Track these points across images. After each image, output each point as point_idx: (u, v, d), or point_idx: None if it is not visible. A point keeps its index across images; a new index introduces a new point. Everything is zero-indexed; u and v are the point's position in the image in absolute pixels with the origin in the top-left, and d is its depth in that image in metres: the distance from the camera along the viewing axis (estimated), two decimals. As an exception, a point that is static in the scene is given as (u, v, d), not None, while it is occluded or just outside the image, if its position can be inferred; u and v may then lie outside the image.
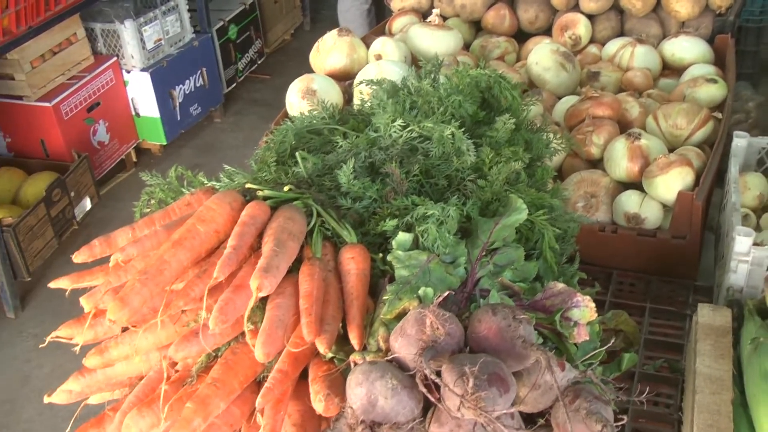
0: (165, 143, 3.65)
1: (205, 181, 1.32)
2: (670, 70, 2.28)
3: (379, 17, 4.23)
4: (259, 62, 4.62)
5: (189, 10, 3.69)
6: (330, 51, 2.18)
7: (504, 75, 1.63)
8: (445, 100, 1.57)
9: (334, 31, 2.21)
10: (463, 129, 1.42)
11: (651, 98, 2.12)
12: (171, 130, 3.63)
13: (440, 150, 1.30)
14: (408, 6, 2.57)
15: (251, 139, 4.25)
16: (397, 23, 2.51)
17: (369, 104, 1.62)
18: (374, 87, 1.65)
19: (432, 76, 1.74)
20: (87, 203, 3.07)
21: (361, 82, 1.83)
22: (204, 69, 3.79)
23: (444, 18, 2.56)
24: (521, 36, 2.48)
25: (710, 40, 2.31)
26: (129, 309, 0.99)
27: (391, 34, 2.51)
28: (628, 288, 1.71)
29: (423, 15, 2.55)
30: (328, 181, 1.27)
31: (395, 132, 1.35)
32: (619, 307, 1.54)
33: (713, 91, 2.01)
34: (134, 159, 3.60)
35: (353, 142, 1.36)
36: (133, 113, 3.50)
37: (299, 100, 2.02)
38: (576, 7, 2.41)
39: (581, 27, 2.33)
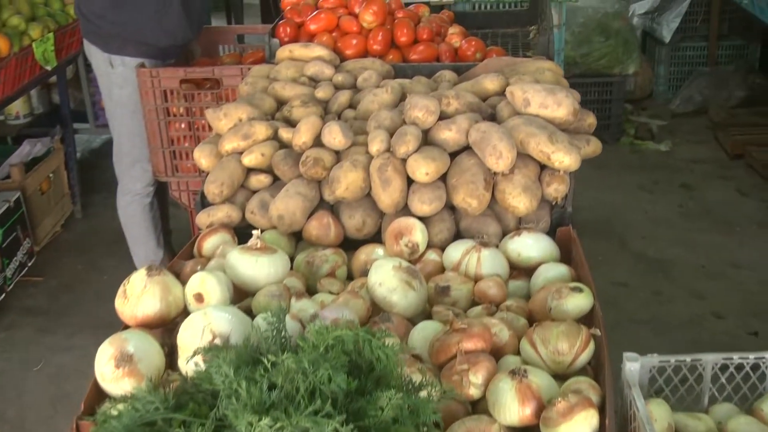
0: None
1: None
2: (518, 270, 2.10)
3: (163, 209, 3.84)
4: (29, 264, 4.06)
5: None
6: (140, 296, 1.77)
7: (372, 331, 1.34)
8: (311, 375, 1.25)
9: (142, 271, 1.81)
10: (343, 416, 1.11)
11: (511, 311, 1.91)
12: None
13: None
14: (217, 221, 2.22)
15: (28, 362, 3.66)
16: (208, 245, 2.15)
17: (212, 382, 1.27)
18: (215, 359, 1.30)
19: (280, 333, 1.42)
20: None
21: (194, 353, 1.44)
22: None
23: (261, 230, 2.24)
24: (348, 244, 2.21)
25: (550, 233, 2.18)
26: None
27: (201, 257, 2.15)
28: None
29: (235, 230, 2.22)
30: None
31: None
32: None
33: (580, 302, 1.82)
34: None
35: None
36: None
37: (113, 370, 1.58)
38: (405, 209, 2.19)
39: (418, 233, 2.10)
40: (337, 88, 2.73)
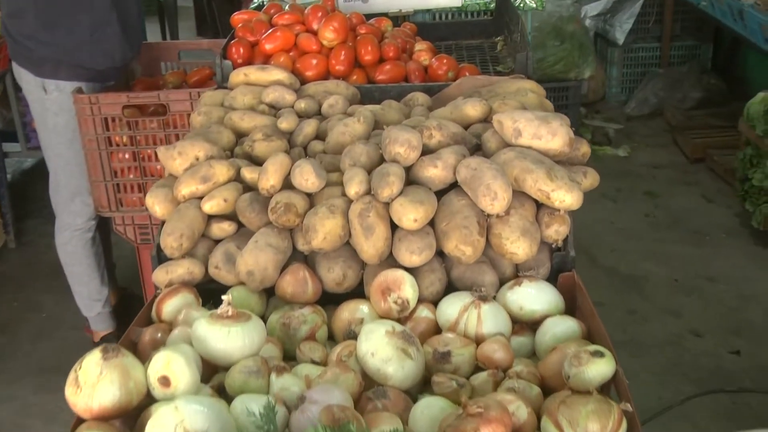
0: None
1: None
2: (519, 324, 1.89)
3: (106, 242, 3.53)
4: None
5: None
6: (96, 384, 1.49)
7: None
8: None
9: (96, 354, 1.52)
10: None
11: (522, 378, 1.69)
12: None
13: None
14: (177, 278, 1.95)
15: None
16: (168, 308, 1.87)
17: None
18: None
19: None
20: None
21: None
22: None
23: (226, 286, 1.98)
24: (325, 297, 1.96)
25: (550, 279, 1.97)
26: None
27: (161, 322, 1.87)
28: None
29: (198, 286, 1.95)
30: None
31: None
32: None
33: (603, 369, 1.60)
34: None
35: None
36: None
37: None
38: (390, 259, 1.95)
39: (408, 288, 1.86)
40: (300, 116, 2.48)
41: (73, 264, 3.35)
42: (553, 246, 2.02)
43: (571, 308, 1.94)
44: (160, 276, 1.97)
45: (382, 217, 1.93)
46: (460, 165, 1.98)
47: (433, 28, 3.36)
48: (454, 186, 2.04)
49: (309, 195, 2.03)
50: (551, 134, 2.05)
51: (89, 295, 3.39)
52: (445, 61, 2.72)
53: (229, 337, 1.66)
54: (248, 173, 2.10)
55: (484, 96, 2.53)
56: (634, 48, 6.13)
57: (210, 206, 2.01)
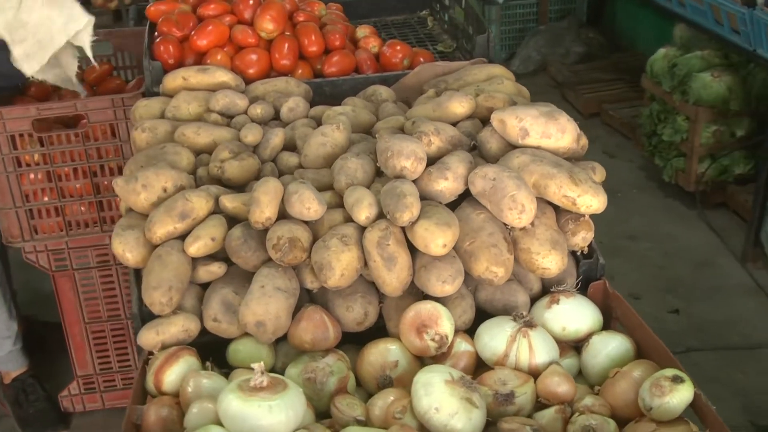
0: None
1: None
2: (561, 345, 1.74)
3: (6, 270, 3.09)
4: None
5: None
6: None
7: None
8: None
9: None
10: None
11: (594, 412, 1.54)
12: None
13: None
14: (170, 338, 1.65)
15: None
16: (170, 377, 1.59)
17: None
18: None
19: None
20: None
21: None
22: None
23: (227, 341, 1.71)
24: (348, 339, 1.73)
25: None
26: None
27: (162, 395, 1.58)
28: None
29: (201, 360, 1.66)
30: None
31: None
32: None
33: (685, 395, 1.48)
34: None
35: None
36: None
37: None
38: (413, 291, 1.73)
39: (445, 322, 1.66)
40: (254, 122, 2.19)
41: (-25, 303, 2.89)
42: (579, 254, 1.88)
43: (605, 319, 1.81)
44: (150, 338, 1.67)
45: (402, 244, 1.71)
46: (474, 176, 1.79)
47: (354, 5, 3.10)
48: (463, 198, 1.85)
49: (306, 223, 1.78)
50: (560, 132, 1.90)
51: (-4, 333, 2.96)
52: (398, 47, 2.49)
53: (272, 413, 1.41)
54: (229, 202, 1.81)
55: (451, 85, 2.34)
56: (512, 5, 6.08)
57: (196, 248, 1.72)
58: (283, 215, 1.78)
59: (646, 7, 5.68)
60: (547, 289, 1.84)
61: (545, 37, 5.92)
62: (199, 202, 1.77)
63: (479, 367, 1.69)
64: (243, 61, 2.39)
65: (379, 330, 1.76)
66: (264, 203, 1.72)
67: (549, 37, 5.92)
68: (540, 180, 1.80)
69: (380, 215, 1.74)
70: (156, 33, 2.49)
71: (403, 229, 1.73)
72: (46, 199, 2.60)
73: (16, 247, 2.71)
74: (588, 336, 1.74)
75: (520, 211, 1.73)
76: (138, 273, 1.80)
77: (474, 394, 1.51)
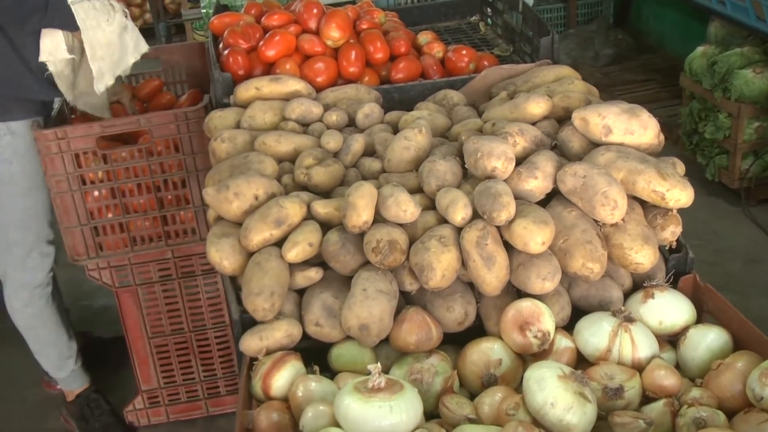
0: None
1: None
2: (657, 338, 1.74)
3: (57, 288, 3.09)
4: None
5: None
6: None
7: None
8: None
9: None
10: None
11: (703, 404, 1.55)
12: None
13: None
14: (274, 344, 1.67)
15: None
16: (278, 382, 1.60)
17: None
18: None
19: None
20: None
21: None
22: None
23: (329, 345, 1.72)
24: (444, 339, 1.74)
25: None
26: None
27: (270, 399, 1.60)
28: None
29: (305, 363, 1.68)
30: None
31: None
32: None
33: (800, 383, 1.50)
34: None
35: None
36: None
37: None
38: (509, 289, 1.75)
39: (547, 319, 1.67)
40: (329, 128, 2.21)
41: (37, 327, 2.89)
42: (667, 248, 1.89)
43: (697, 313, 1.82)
44: (253, 344, 1.68)
45: (499, 243, 1.73)
46: (564, 174, 1.80)
47: (406, 12, 3.13)
48: (552, 197, 1.87)
49: (400, 226, 1.80)
50: (643, 128, 1.91)
51: (59, 354, 2.96)
52: (464, 52, 2.51)
53: (393, 413, 1.42)
54: (321, 208, 1.83)
55: (520, 87, 2.36)
56: (539, 10, 6.10)
57: (295, 254, 1.74)
58: (375, 219, 1.79)
59: (673, 7, 5.70)
60: (637, 285, 1.85)
61: (575, 41, 5.94)
62: (293, 209, 1.79)
63: (579, 363, 1.70)
64: (311, 70, 2.42)
65: (474, 329, 1.78)
66: (361, 207, 1.74)
67: (578, 40, 5.94)
68: (628, 176, 1.81)
69: (474, 216, 1.76)
70: (222, 45, 2.52)
71: (497, 228, 1.74)
72: (110, 215, 2.62)
73: (80, 265, 2.73)
74: (684, 330, 1.74)
75: (613, 207, 1.74)
76: (234, 281, 1.82)
77: (586, 388, 1.51)
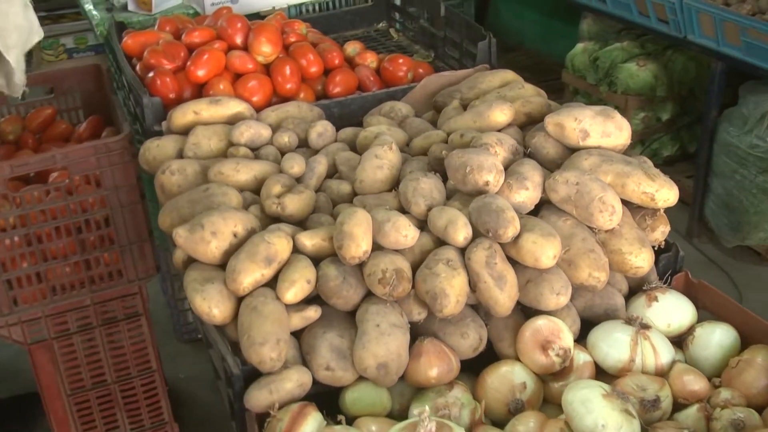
0: None
1: None
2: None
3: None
4: None
5: None
6: None
7: None
8: None
9: None
10: None
11: (735, 404, 1.53)
12: None
13: None
14: (285, 396, 1.50)
15: None
16: None
17: None
18: None
19: None
20: None
21: None
22: None
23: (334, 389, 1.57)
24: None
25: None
26: None
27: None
28: None
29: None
30: None
31: None
32: None
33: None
34: None
35: None
36: None
37: None
38: (518, 307, 1.67)
39: (567, 335, 1.61)
40: (283, 151, 2.06)
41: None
42: (656, 248, 1.88)
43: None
44: (262, 398, 1.51)
45: (506, 261, 1.65)
46: (555, 182, 1.75)
47: (312, 21, 2.99)
48: (540, 207, 1.81)
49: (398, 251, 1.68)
50: (618, 129, 1.90)
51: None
52: (401, 60, 2.41)
53: (451, 461, 1.31)
54: (307, 240, 1.68)
55: (465, 94, 2.30)
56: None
57: (294, 294, 1.58)
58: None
59: (531, 5, 5.87)
60: (632, 289, 1.83)
61: (442, 41, 5.97)
62: (281, 244, 1.63)
63: (597, 376, 1.65)
64: (246, 89, 2.24)
65: (483, 354, 1.69)
66: (359, 236, 1.61)
67: (445, 40, 5.97)
68: (616, 179, 1.78)
69: (474, 234, 1.67)
70: (141, 66, 2.29)
71: (501, 245, 1.66)
72: (25, 265, 2.32)
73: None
74: (689, 329, 1.73)
75: (611, 212, 1.70)
76: (222, 330, 1.64)
77: (628, 404, 1.46)
